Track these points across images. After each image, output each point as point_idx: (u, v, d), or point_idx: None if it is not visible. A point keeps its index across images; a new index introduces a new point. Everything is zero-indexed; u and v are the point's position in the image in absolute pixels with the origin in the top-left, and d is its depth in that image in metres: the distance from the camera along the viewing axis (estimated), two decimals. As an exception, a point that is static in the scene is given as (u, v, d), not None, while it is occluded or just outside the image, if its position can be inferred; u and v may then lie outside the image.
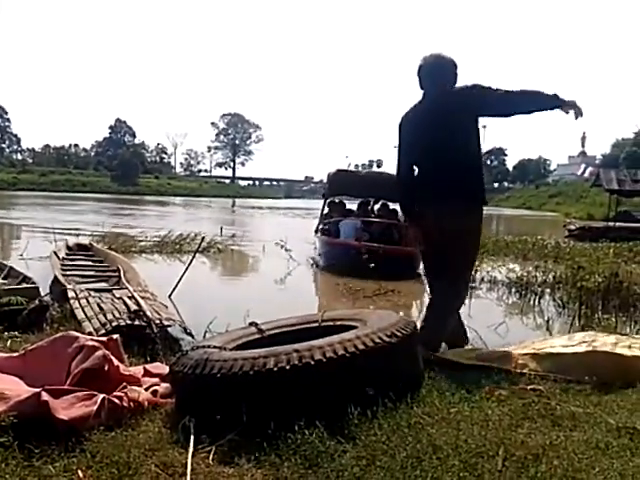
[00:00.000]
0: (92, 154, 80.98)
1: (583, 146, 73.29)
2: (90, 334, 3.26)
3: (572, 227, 18.54)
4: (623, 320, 5.70)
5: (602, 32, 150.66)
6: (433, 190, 3.35)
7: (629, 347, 3.07)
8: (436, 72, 3.36)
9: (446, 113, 3.31)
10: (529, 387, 2.67)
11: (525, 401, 2.48)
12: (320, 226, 10.48)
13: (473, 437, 2.06)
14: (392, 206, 9.63)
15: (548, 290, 7.03)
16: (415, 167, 3.51)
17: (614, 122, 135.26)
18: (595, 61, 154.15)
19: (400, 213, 9.12)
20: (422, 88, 3.43)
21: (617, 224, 17.93)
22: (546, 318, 5.74)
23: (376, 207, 10.32)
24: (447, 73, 3.38)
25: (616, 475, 1.82)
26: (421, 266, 4.65)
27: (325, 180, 11.89)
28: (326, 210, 10.74)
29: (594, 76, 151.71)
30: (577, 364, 3.02)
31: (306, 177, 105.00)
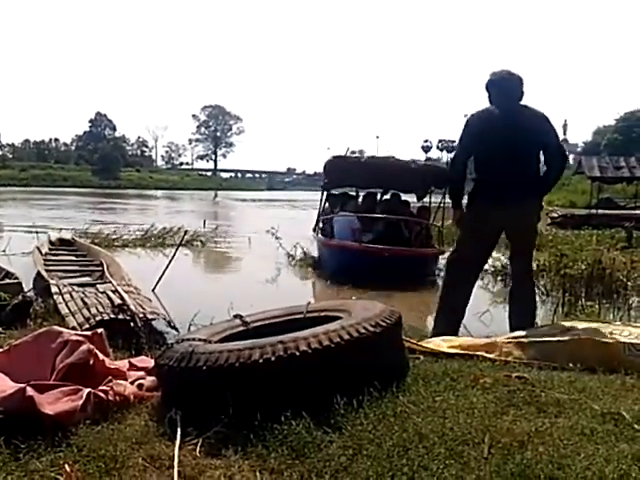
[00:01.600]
0: (73, 148, 79.88)
1: (565, 134, 74.07)
2: (74, 329, 3.24)
3: (555, 215, 18.68)
4: (606, 307, 5.79)
5: (583, 21, 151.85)
6: (507, 190, 3.66)
7: (610, 334, 3.12)
8: (510, 88, 3.75)
9: (523, 125, 3.71)
10: (514, 375, 2.69)
11: (510, 388, 2.50)
12: (319, 224, 9.28)
13: (459, 425, 2.07)
14: (405, 197, 8.67)
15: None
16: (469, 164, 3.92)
17: (595, 109, 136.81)
18: (576, 49, 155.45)
19: (412, 205, 8.70)
20: (492, 101, 3.79)
21: (599, 211, 18.11)
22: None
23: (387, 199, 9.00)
24: (518, 89, 3.78)
25: (601, 460, 1.83)
26: (437, 268, 4.65)
27: (321, 170, 10.36)
28: (327, 205, 9.46)
29: (575, 64, 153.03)
30: (561, 351, 3.06)
31: (288, 169, 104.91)
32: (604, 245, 9.11)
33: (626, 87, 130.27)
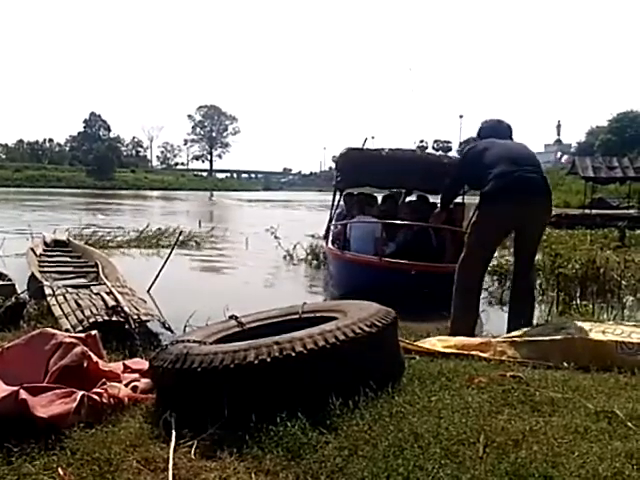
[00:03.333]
0: (67, 149, 79.64)
1: (559, 134, 74.36)
2: (67, 331, 3.22)
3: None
4: (600, 306, 5.81)
5: (577, 24, 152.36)
6: (528, 186, 3.85)
7: (603, 332, 3.14)
8: (501, 130, 4.25)
9: (519, 145, 4.21)
10: (508, 374, 2.70)
11: (505, 388, 2.51)
12: (330, 231, 7.63)
13: (454, 425, 2.08)
14: (433, 199, 6.80)
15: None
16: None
17: (588, 110, 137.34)
18: (570, 51, 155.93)
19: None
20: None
21: (593, 211, 18.21)
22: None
23: (410, 200, 7.32)
24: (507, 133, 4.28)
25: (595, 459, 1.84)
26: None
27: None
28: (340, 209, 7.78)
29: (569, 65, 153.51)
30: (555, 350, 3.07)
31: (284, 169, 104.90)
32: (598, 244, 9.17)
33: (619, 88, 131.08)
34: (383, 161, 6.70)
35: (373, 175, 6.89)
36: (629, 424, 2.11)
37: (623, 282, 6.63)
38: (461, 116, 79.96)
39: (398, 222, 6.25)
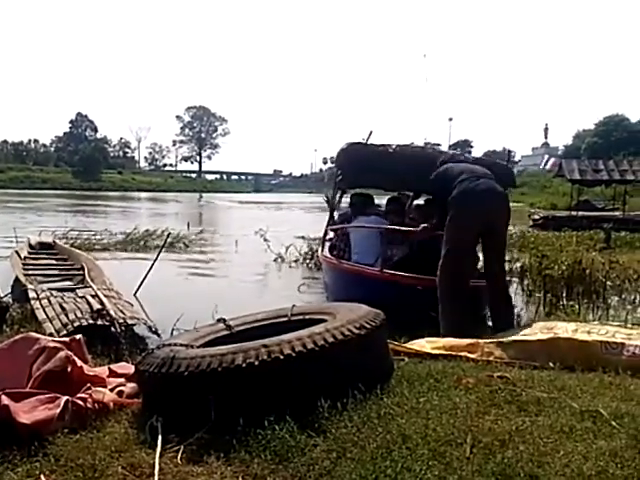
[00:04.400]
0: (52, 150, 78.82)
1: (546, 137, 75.11)
2: (51, 335, 3.19)
3: (536, 217, 18.94)
4: (586, 307, 5.86)
5: (564, 29, 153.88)
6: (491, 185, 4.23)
7: (588, 333, 3.16)
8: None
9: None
10: (495, 374, 2.72)
11: (492, 388, 2.53)
12: (327, 238, 6.82)
13: (442, 425, 2.08)
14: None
15: (515, 279, 7.16)
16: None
17: (575, 114, 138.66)
18: (557, 56, 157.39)
19: None
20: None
21: (579, 213, 18.38)
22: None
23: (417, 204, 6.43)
24: None
25: (580, 458, 1.86)
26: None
27: (331, 163, 7.58)
28: (342, 210, 7.06)
29: (557, 69, 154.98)
30: (541, 351, 3.09)
31: (275, 171, 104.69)
32: (584, 246, 9.24)
33: (605, 92, 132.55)
34: (391, 159, 5.70)
35: (380, 174, 5.90)
36: (613, 423, 2.13)
37: (608, 283, 6.69)
38: (450, 119, 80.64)
39: (403, 228, 5.35)
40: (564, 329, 3.25)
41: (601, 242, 10.95)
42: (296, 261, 9.45)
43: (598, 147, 45.02)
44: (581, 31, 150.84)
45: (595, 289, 6.55)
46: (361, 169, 5.88)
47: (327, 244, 6.66)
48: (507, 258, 7.50)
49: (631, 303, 6.41)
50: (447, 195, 4.21)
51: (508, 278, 6.90)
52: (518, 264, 7.55)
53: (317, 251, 7.68)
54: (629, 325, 3.56)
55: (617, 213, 19.29)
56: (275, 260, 9.52)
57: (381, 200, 6.88)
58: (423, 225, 4.70)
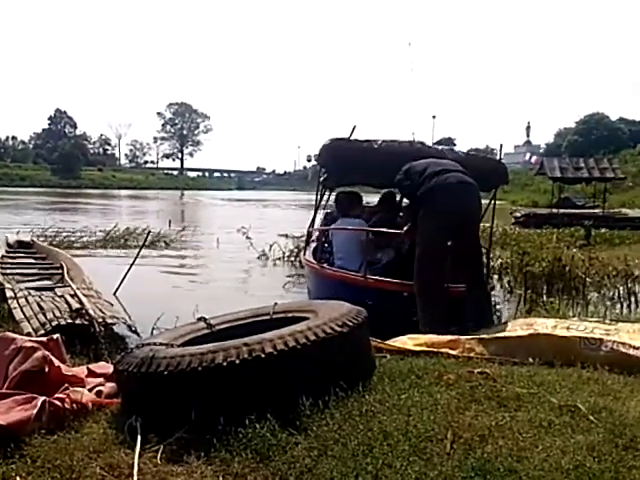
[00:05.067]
0: (31, 146, 77.67)
1: (528, 135, 76.00)
2: (29, 335, 3.14)
3: (518, 214, 19.16)
4: (566, 303, 5.94)
5: (545, 28, 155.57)
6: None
7: (567, 329, 3.20)
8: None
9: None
10: (476, 371, 2.73)
11: (472, 384, 2.54)
12: (311, 241, 6.50)
13: (422, 422, 2.09)
14: None
15: (496, 276, 7.23)
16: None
17: (557, 112, 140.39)
18: (539, 55, 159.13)
19: None
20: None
21: (560, 211, 18.62)
22: (494, 303, 5.89)
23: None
24: None
25: (558, 452, 1.88)
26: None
27: (315, 161, 7.15)
28: (330, 209, 6.69)
29: (538, 68, 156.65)
30: (521, 347, 3.12)
31: (258, 168, 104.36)
32: (564, 243, 9.37)
33: (586, 91, 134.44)
34: (377, 155, 5.39)
35: (367, 171, 5.70)
36: (591, 417, 2.15)
37: (588, 279, 6.80)
38: (434, 117, 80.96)
39: (386, 230, 5.03)
40: (544, 325, 3.29)
41: (581, 239, 11.13)
42: (280, 259, 9.45)
43: (579, 145, 45.71)
44: (563, 30, 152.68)
45: (575, 285, 6.65)
46: (346, 166, 5.62)
47: (312, 245, 6.39)
48: (490, 254, 7.63)
49: (610, 299, 6.52)
50: (414, 193, 4.13)
51: (489, 275, 7.03)
52: (499, 261, 7.62)
53: (301, 251, 7.56)
54: (607, 321, 3.60)
55: (597, 210, 19.59)
56: (259, 258, 9.50)
57: (371, 198, 6.76)
58: (405, 227, 4.53)
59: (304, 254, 6.54)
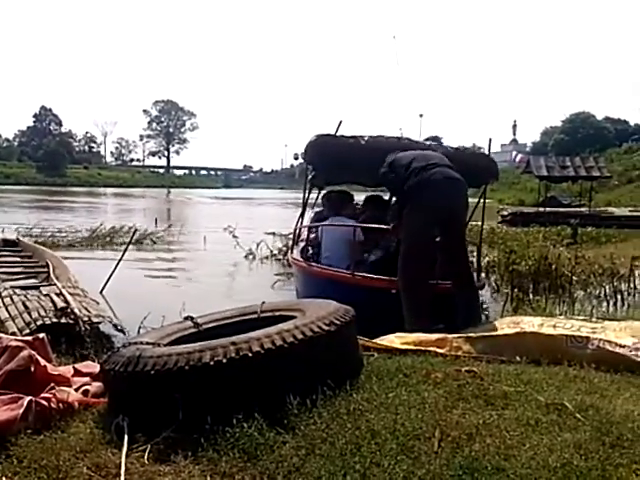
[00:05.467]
0: (15, 144, 76.81)
1: (514, 134, 76.44)
2: (14, 334, 3.11)
3: (505, 213, 19.29)
4: (553, 301, 5.99)
5: (531, 27, 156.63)
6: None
7: (554, 327, 3.23)
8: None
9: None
10: (463, 369, 2.74)
11: (460, 382, 2.55)
12: (300, 240, 6.34)
13: (410, 420, 2.09)
14: None
15: (483, 275, 7.26)
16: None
17: (543, 111, 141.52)
18: (525, 54, 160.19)
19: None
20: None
21: (547, 209, 18.77)
22: (481, 301, 5.91)
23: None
24: None
25: (545, 450, 1.89)
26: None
27: (302, 159, 6.98)
28: (313, 210, 6.58)
29: (525, 67, 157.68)
30: (508, 345, 3.14)
31: (245, 166, 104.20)
32: (551, 241, 9.45)
33: (572, 90, 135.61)
34: (365, 151, 5.21)
35: (353, 168, 5.57)
36: (578, 416, 2.17)
37: (574, 278, 6.85)
38: (421, 115, 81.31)
39: (376, 226, 4.91)
40: (530, 324, 3.31)
41: (568, 237, 11.22)
42: (267, 257, 9.43)
43: (565, 144, 46.10)
44: (549, 29, 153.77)
45: (561, 284, 6.70)
46: (333, 163, 5.44)
47: (300, 244, 6.24)
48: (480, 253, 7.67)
49: (596, 297, 6.58)
50: (400, 187, 4.07)
51: (476, 273, 7.06)
52: (486, 260, 7.65)
53: (289, 249, 7.51)
54: (594, 319, 3.64)
55: (583, 209, 19.78)
56: (246, 257, 9.47)
57: (362, 196, 6.51)
58: (392, 224, 4.45)
59: (291, 253, 6.49)
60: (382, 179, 4.45)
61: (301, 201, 6.39)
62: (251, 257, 9.48)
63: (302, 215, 6.49)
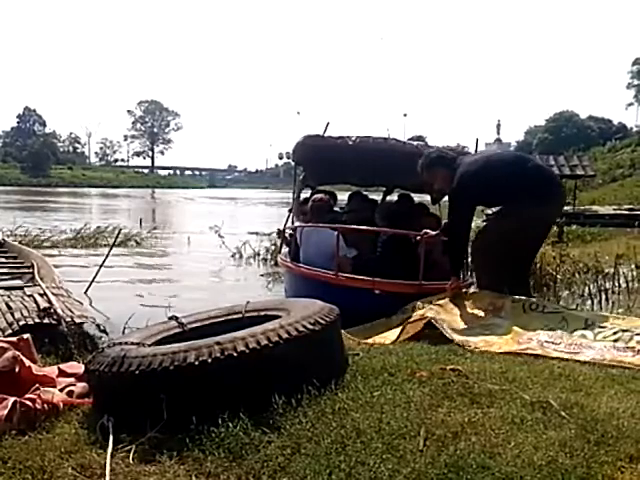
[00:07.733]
0: (-1, 145, 76.09)
1: (498, 133, 77.07)
2: (-4, 335, 3.06)
3: (489, 212, 19.33)
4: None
5: (514, 27, 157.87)
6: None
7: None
8: None
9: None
10: (448, 367, 2.76)
11: (445, 381, 2.56)
12: (288, 240, 6.21)
13: (395, 419, 2.10)
14: (418, 198, 5.79)
15: (469, 274, 7.29)
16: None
17: (527, 110, 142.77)
18: (509, 53, 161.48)
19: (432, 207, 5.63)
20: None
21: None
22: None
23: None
24: None
25: (530, 448, 1.90)
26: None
27: (287, 159, 6.81)
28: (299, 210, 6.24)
29: (509, 66, 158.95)
30: None
31: (229, 166, 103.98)
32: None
33: (556, 89, 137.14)
34: (354, 152, 5.27)
35: (342, 169, 5.65)
36: (563, 413, 2.18)
37: (559, 276, 6.91)
38: (405, 115, 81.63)
39: (358, 227, 4.89)
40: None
41: (553, 236, 11.28)
42: (253, 257, 9.41)
43: (549, 143, 46.47)
44: (532, 29, 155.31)
45: (546, 282, 6.75)
46: (322, 163, 5.51)
47: (285, 247, 6.26)
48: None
49: (580, 296, 6.62)
50: (487, 194, 3.97)
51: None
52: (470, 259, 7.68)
53: (276, 249, 7.54)
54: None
55: (568, 207, 19.93)
56: (232, 256, 9.45)
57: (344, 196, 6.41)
58: (426, 230, 4.48)
59: (280, 253, 6.46)
60: (460, 185, 4.00)
61: (286, 201, 6.31)
62: (237, 257, 9.46)
63: (290, 215, 6.34)
